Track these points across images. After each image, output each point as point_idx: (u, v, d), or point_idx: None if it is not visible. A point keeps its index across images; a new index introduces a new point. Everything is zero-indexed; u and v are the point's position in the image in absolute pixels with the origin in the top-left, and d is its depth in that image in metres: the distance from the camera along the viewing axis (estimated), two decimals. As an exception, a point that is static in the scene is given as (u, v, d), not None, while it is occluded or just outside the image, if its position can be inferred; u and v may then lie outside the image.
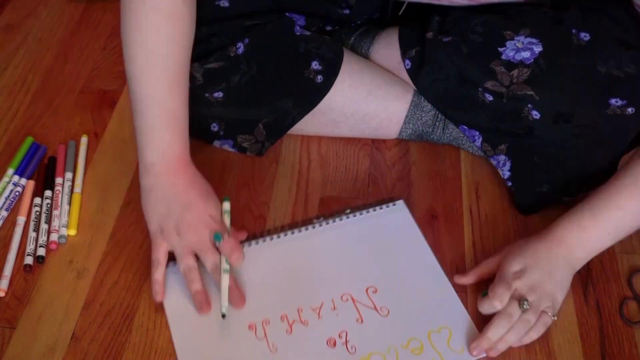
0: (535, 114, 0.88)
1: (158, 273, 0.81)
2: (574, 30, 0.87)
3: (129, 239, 0.90)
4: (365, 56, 1.03)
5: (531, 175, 0.93)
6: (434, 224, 0.93)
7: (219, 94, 0.91)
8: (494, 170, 0.98)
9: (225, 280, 0.80)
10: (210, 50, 0.89)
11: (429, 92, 0.96)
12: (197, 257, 0.82)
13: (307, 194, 0.96)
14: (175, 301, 0.82)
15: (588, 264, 0.88)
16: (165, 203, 0.82)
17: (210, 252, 0.81)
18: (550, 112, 0.87)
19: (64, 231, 0.90)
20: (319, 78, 0.94)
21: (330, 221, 0.90)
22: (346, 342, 0.79)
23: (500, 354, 0.78)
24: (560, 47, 0.86)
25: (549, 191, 0.92)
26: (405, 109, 0.99)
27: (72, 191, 0.95)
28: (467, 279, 0.85)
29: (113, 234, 0.91)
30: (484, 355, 0.78)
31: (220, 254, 0.81)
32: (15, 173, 0.96)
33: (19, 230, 0.90)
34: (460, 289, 0.85)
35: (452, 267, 0.88)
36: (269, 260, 0.86)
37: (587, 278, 0.88)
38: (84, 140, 1.02)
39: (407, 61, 0.97)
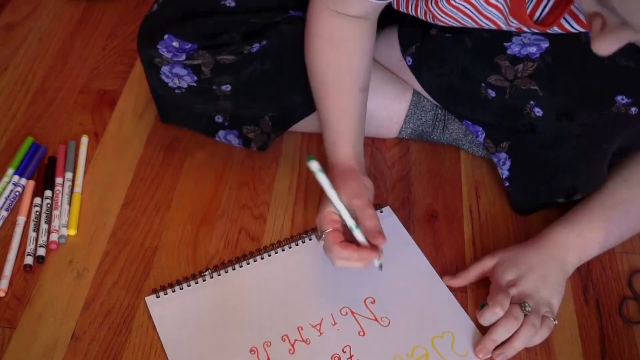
0: (538, 111, 0.88)
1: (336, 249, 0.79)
2: None
3: (129, 238, 0.90)
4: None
5: (529, 176, 0.93)
6: (434, 224, 0.93)
7: (226, 87, 0.91)
8: (494, 171, 0.98)
9: (358, 234, 0.79)
10: (221, 44, 0.88)
11: (433, 87, 0.96)
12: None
13: (307, 194, 0.96)
14: (171, 330, 0.80)
15: (588, 264, 0.88)
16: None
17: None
18: (553, 109, 0.87)
19: (64, 231, 0.90)
20: None
21: (319, 233, 0.90)
22: (351, 356, 0.79)
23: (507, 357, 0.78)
24: (567, 44, 0.86)
25: (546, 193, 0.92)
26: (405, 108, 0.99)
27: (72, 191, 0.95)
28: (458, 282, 0.85)
29: (113, 234, 0.91)
30: (489, 356, 0.78)
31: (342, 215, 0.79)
32: (15, 173, 0.96)
33: (19, 230, 0.90)
34: (459, 290, 0.85)
35: (452, 267, 0.88)
36: (263, 280, 0.85)
37: (587, 278, 0.88)
38: (84, 140, 1.02)
39: (408, 58, 0.97)
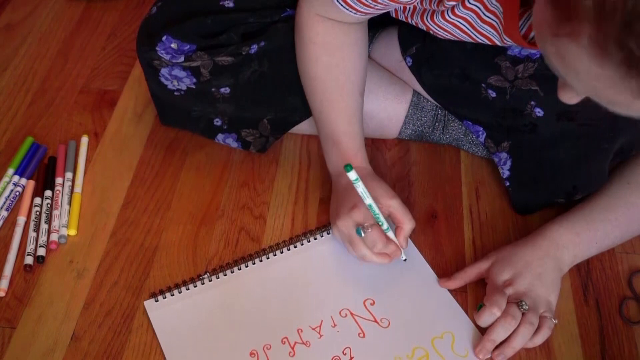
0: (539, 111, 0.88)
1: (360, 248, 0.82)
2: None
3: (129, 238, 0.90)
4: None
5: (530, 176, 0.93)
6: (434, 224, 0.93)
7: (225, 90, 0.91)
8: (494, 171, 0.99)
9: (390, 234, 0.82)
10: (219, 45, 0.88)
11: (433, 88, 0.96)
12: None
13: (307, 194, 0.96)
14: (170, 334, 0.80)
15: (588, 263, 0.88)
16: (337, 200, 0.86)
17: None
18: (554, 110, 0.87)
19: (64, 231, 0.90)
20: None
21: (318, 236, 0.89)
22: (351, 358, 0.78)
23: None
24: None
25: (546, 193, 0.92)
26: (405, 108, 0.99)
27: (72, 191, 0.95)
28: (454, 283, 0.85)
29: (113, 234, 0.91)
30: (489, 356, 0.78)
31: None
32: (15, 173, 0.96)
33: (19, 230, 0.90)
34: (459, 291, 0.85)
35: (452, 267, 0.88)
36: (263, 282, 0.85)
37: (587, 278, 0.88)
38: (84, 140, 1.02)
39: (409, 58, 0.97)
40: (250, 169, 0.99)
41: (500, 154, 0.95)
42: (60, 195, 0.93)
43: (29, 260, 0.86)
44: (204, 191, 0.96)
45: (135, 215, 0.93)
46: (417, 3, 0.79)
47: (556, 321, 0.79)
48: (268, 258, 0.87)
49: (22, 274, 0.86)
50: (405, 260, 0.85)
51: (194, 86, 0.90)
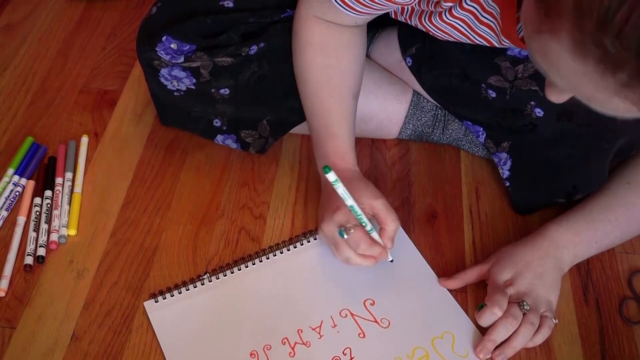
0: (539, 112, 0.88)
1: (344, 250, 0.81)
2: None
3: (129, 238, 0.90)
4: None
5: (530, 176, 0.93)
6: (434, 224, 0.93)
7: (225, 91, 0.91)
8: (494, 171, 0.99)
9: (375, 235, 0.81)
10: (218, 45, 0.88)
11: (433, 88, 0.96)
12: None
13: (307, 194, 0.96)
14: (170, 335, 0.80)
15: (588, 263, 0.88)
16: (322, 203, 0.87)
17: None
18: (554, 110, 0.87)
19: (64, 231, 0.90)
20: None
21: (318, 236, 0.89)
22: (351, 358, 0.78)
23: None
24: None
25: (546, 193, 0.92)
26: (404, 109, 0.99)
27: (72, 191, 0.95)
28: (454, 283, 0.85)
29: (113, 233, 0.91)
30: (489, 357, 0.78)
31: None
32: (15, 173, 0.96)
33: (19, 230, 0.90)
34: (459, 291, 0.85)
35: (452, 267, 0.88)
36: (263, 283, 0.85)
37: (587, 278, 0.88)
38: (84, 140, 1.02)
39: (408, 58, 0.97)
40: (250, 169, 0.99)
41: (500, 154, 0.95)
42: (60, 195, 0.93)
43: (29, 260, 0.86)
44: (204, 191, 0.96)
45: (135, 215, 0.93)
46: (415, 4, 0.79)
47: (556, 321, 0.79)
48: (268, 258, 0.87)
49: (22, 274, 0.86)
50: (391, 261, 0.85)
51: (193, 87, 0.90)
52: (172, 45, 0.87)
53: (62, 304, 0.83)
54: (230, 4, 0.90)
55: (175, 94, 0.92)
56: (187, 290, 0.84)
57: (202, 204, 0.95)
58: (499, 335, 0.77)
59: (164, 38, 0.87)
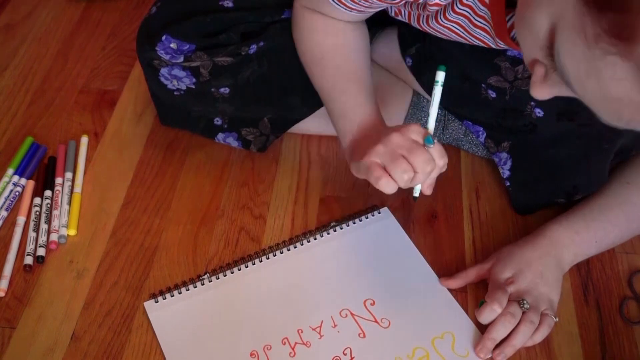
0: (539, 112, 0.88)
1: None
2: None
3: (129, 238, 0.90)
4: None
5: (530, 176, 0.93)
6: (434, 224, 0.93)
7: (225, 90, 0.91)
8: (494, 171, 0.98)
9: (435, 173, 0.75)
10: (218, 44, 0.88)
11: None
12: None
13: (307, 194, 0.96)
14: (170, 335, 0.80)
15: (587, 263, 0.88)
16: (373, 141, 0.77)
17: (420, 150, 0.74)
18: (554, 110, 0.87)
19: (63, 231, 0.90)
20: None
21: (318, 236, 0.89)
22: (351, 358, 0.78)
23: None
24: None
25: (546, 193, 0.92)
26: (405, 108, 0.99)
27: (72, 191, 0.95)
28: (455, 283, 0.85)
29: (113, 233, 0.91)
30: (490, 356, 0.78)
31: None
32: (15, 173, 0.96)
33: (18, 230, 0.90)
34: (459, 291, 0.85)
35: (452, 267, 0.88)
36: (263, 282, 0.85)
37: (587, 278, 0.88)
38: (84, 140, 1.01)
39: (408, 59, 0.97)
40: (250, 169, 0.99)
41: (501, 154, 0.95)
42: (60, 195, 0.93)
43: (28, 260, 0.86)
44: (204, 191, 0.96)
45: (135, 215, 0.93)
46: (402, 6, 0.79)
47: (557, 319, 0.79)
48: (268, 258, 0.87)
49: (21, 274, 0.86)
50: (415, 199, 0.80)
51: (193, 86, 0.90)
52: (172, 45, 0.87)
53: (62, 304, 0.83)
54: (230, 4, 0.90)
55: (175, 93, 0.92)
56: (187, 290, 0.84)
57: (202, 204, 0.95)
58: (498, 333, 0.77)
59: (163, 38, 0.87)
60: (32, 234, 0.89)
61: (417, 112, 0.99)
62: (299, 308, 0.83)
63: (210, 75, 0.89)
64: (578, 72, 0.50)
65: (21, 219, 0.91)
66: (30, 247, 0.87)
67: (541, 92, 0.58)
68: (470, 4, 0.72)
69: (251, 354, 0.79)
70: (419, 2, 0.75)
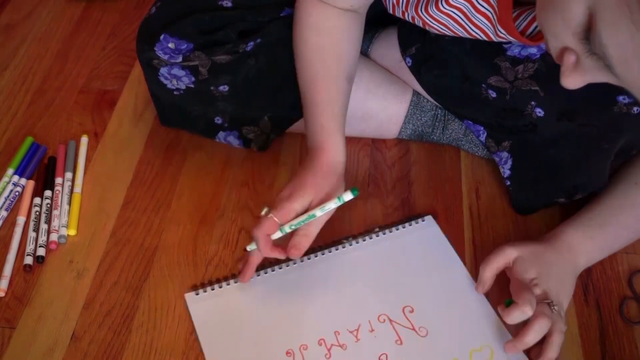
0: (539, 112, 0.88)
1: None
2: None
3: (129, 238, 0.90)
4: (364, 56, 1.03)
5: (531, 176, 0.93)
6: (434, 224, 0.93)
7: (224, 87, 0.91)
8: (494, 170, 0.99)
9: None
10: (216, 42, 0.88)
11: (433, 88, 0.96)
12: None
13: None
14: (208, 327, 0.80)
15: (588, 263, 0.88)
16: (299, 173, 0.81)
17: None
18: (554, 110, 0.87)
19: (63, 231, 0.90)
20: None
21: (360, 240, 0.89)
22: None
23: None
24: None
25: (547, 192, 0.92)
26: (404, 108, 0.99)
27: (72, 191, 0.95)
28: (486, 287, 0.83)
29: (113, 233, 0.91)
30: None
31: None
32: (15, 173, 0.96)
33: (18, 230, 0.90)
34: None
35: (452, 267, 0.88)
36: (303, 283, 0.85)
37: (587, 278, 0.88)
38: (84, 140, 1.01)
39: (408, 59, 0.97)
40: (250, 169, 0.99)
41: (501, 154, 0.95)
42: (60, 195, 0.93)
43: (28, 260, 0.86)
44: (204, 191, 0.96)
45: (135, 215, 0.93)
46: None
47: (566, 327, 0.78)
48: (309, 259, 0.87)
49: (21, 274, 0.86)
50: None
51: (193, 85, 0.90)
52: (170, 45, 0.87)
53: (62, 304, 0.83)
54: (229, 4, 0.90)
55: (175, 93, 0.92)
56: (228, 285, 0.84)
57: (202, 204, 0.95)
58: (532, 337, 0.75)
59: (162, 37, 0.87)
60: (32, 234, 0.89)
61: (417, 112, 0.99)
62: (337, 310, 0.82)
63: (209, 74, 0.89)
64: (623, 52, 0.50)
65: (21, 219, 0.91)
66: (30, 247, 0.87)
67: (573, 80, 0.56)
68: None
69: (287, 353, 0.78)
70: None
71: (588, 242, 0.83)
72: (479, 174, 0.99)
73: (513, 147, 0.93)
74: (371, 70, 0.99)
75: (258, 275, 0.85)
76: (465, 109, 0.96)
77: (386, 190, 0.97)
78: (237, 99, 0.92)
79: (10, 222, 0.91)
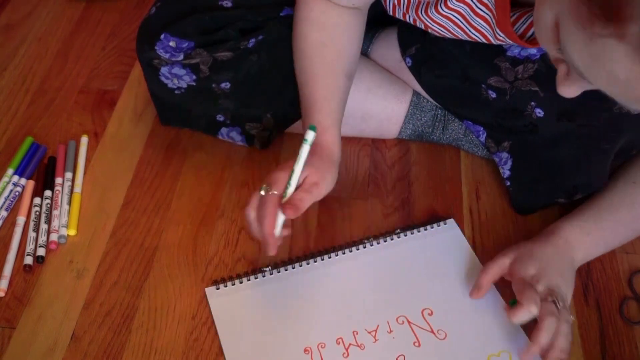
0: (539, 112, 0.88)
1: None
2: None
3: (129, 238, 0.90)
4: (365, 56, 1.03)
5: (531, 176, 0.93)
6: (434, 224, 0.93)
7: (226, 85, 0.91)
8: (494, 171, 0.99)
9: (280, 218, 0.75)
10: (217, 41, 0.89)
11: (433, 88, 0.96)
12: None
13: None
14: (227, 322, 0.81)
15: (588, 263, 0.88)
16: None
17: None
18: (554, 110, 0.87)
19: (63, 231, 0.90)
20: None
21: (382, 241, 0.89)
22: None
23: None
24: None
25: (547, 192, 0.92)
26: (404, 108, 0.99)
27: (72, 191, 0.95)
28: (483, 292, 0.83)
29: (113, 233, 0.91)
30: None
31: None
32: (15, 173, 0.96)
33: (18, 230, 0.90)
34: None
35: (452, 267, 0.88)
36: (322, 282, 0.85)
37: (587, 278, 0.88)
38: (84, 140, 1.01)
39: (408, 59, 0.97)
40: (250, 168, 0.99)
41: (501, 154, 0.95)
42: (60, 195, 0.93)
43: (28, 260, 0.86)
44: (204, 191, 0.96)
45: (135, 215, 0.93)
46: None
47: (573, 318, 0.79)
48: (330, 257, 0.87)
49: (21, 274, 0.86)
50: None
51: (194, 83, 0.90)
52: (171, 43, 0.87)
53: (62, 304, 0.83)
54: (229, 4, 0.90)
55: (176, 92, 0.92)
56: (248, 280, 0.84)
57: (202, 204, 0.94)
58: (544, 339, 0.74)
59: (162, 36, 0.87)
60: (32, 234, 0.89)
61: (417, 112, 0.99)
62: (356, 310, 0.82)
63: (210, 71, 0.89)
64: (584, 61, 0.51)
65: (21, 219, 0.91)
66: (30, 247, 0.87)
67: (568, 89, 0.57)
68: None
69: (305, 350, 0.79)
70: None
71: (585, 237, 0.83)
72: (479, 174, 1.00)
73: (513, 148, 0.93)
74: (371, 71, 0.99)
75: (278, 272, 0.85)
76: (465, 109, 0.96)
77: (386, 190, 0.97)
78: (238, 96, 0.92)
79: (10, 222, 0.91)
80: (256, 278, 0.85)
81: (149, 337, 0.80)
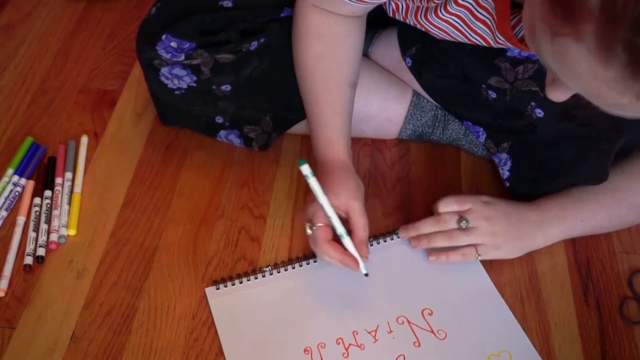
0: (539, 112, 0.88)
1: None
2: None
3: (129, 238, 0.90)
4: (365, 56, 1.03)
5: (530, 176, 0.93)
6: (434, 224, 0.93)
7: (226, 87, 0.91)
8: (494, 171, 0.98)
9: (348, 242, 0.78)
10: (218, 42, 0.88)
11: (433, 88, 0.96)
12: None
13: (307, 194, 0.96)
14: (227, 322, 0.81)
15: (588, 263, 0.88)
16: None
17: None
18: (555, 110, 0.87)
19: (63, 231, 0.90)
20: None
21: (382, 241, 0.89)
22: None
23: (421, 249, 0.85)
24: None
25: (546, 193, 0.92)
26: (405, 109, 0.99)
27: (72, 191, 0.95)
28: (410, 231, 0.87)
29: (113, 233, 0.91)
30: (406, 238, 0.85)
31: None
32: (15, 173, 0.96)
33: (18, 230, 0.90)
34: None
35: (452, 267, 0.88)
36: (323, 281, 0.85)
37: (587, 278, 0.88)
38: (84, 140, 1.01)
39: (408, 59, 0.97)
40: (250, 169, 0.99)
41: (501, 155, 0.95)
42: (60, 195, 0.93)
43: (28, 260, 0.86)
44: (204, 191, 0.96)
45: (135, 215, 0.93)
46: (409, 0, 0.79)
47: (479, 258, 0.82)
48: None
49: (21, 274, 0.86)
50: (366, 275, 0.80)
51: (194, 84, 0.90)
52: (172, 44, 0.87)
53: (62, 304, 0.83)
54: (230, 4, 0.90)
55: (176, 92, 0.92)
56: (248, 280, 0.84)
57: (202, 204, 0.95)
58: (421, 225, 0.84)
59: (163, 37, 0.87)
60: (32, 234, 0.89)
61: (417, 112, 0.99)
62: (356, 310, 0.82)
63: (211, 73, 0.89)
64: (554, 62, 0.50)
65: (21, 219, 0.91)
66: (30, 247, 0.87)
67: (554, 93, 0.58)
68: None
69: (305, 350, 0.79)
70: None
71: (559, 210, 0.86)
72: (479, 174, 0.99)
73: (512, 148, 0.93)
74: (371, 71, 0.99)
75: (278, 272, 0.85)
76: (465, 110, 0.96)
77: (386, 190, 0.97)
78: (239, 99, 0.92)
79: (10, 222, 0.91)
80: (256, 278, 0.85)
81: (149, 337, 0.80)
